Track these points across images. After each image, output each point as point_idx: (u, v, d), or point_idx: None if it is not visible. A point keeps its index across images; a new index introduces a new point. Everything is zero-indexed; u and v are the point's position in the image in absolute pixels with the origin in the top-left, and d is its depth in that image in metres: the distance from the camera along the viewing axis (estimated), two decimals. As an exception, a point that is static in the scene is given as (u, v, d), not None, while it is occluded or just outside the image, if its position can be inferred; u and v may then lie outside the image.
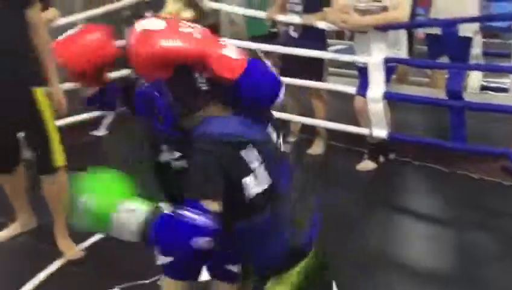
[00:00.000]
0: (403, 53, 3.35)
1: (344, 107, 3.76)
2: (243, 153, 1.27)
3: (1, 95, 2.19)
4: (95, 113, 3.63)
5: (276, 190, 1.32)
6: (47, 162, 2.36)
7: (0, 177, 2.52)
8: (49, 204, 2.50)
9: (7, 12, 2.12)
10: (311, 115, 3.71)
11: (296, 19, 3.51)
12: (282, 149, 1.48)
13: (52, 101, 2.32)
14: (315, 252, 1.42)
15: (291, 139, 3.85)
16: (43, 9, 3.50)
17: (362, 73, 3.37)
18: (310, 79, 3.57)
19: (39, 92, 2.26)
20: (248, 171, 1.27)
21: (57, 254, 2.53)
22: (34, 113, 2.26)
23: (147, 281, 2.27)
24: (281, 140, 1.48)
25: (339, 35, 5.34)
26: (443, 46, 3.28)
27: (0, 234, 2.63)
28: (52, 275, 2.41)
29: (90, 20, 3.84)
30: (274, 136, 1.45)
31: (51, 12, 3.58)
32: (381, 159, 3.48)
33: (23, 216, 2.66)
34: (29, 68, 2.23)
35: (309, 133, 3.73)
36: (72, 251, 2.53)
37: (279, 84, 1.49)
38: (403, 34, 3.36)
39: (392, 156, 3.54)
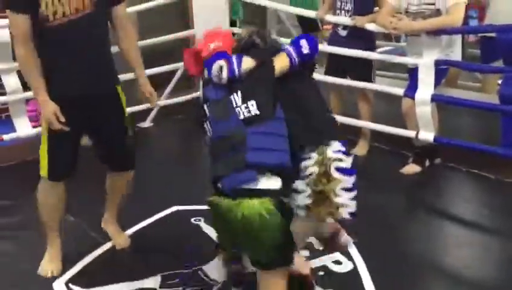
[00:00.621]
0: (456, 56, 3.27)
1: (390, 109, 3.71)
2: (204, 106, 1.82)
3: (96, 93, 2.21)
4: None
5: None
6: (128, 158, 2.42)
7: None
8: (109, 194, 2.57)
9: (100, 13, 2.15)
10: (356, 115, 3.68)
11: (346, 20, 3.48)
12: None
13: (142, 92, 2.36)
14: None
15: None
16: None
17: (412, 75, 3.31)
18: (358, 79, 3.54)
19: (120, 89, 2.33)
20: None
21: (105, 239, 2.63)
22: (119, 109, 2.33)
23: (186, 271, 2.32)
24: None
25: (386, 36, 5.28)
26: (497, 50, 3.18)
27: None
28: (99, 258, 2.50)
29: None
30: (234, 98, 1.74)
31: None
32: (427, 163, 3.42)
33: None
34: (113, 66, 2.30)
35: (353, 134, 3.69)
36: (121, 237, 2.61)
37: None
38: (457, 36, 3.28)
39: (437, 160, 3.47)
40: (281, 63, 1.80)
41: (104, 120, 2.28)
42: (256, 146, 1.65)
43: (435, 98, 3.21)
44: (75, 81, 2.13)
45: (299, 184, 1.75)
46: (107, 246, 2.59)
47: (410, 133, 3.34)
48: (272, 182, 1.65)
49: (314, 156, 1.73)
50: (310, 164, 1.73)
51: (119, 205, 2.61)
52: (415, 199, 3.18)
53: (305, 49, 1.83)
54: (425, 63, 3.17)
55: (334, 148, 1.75)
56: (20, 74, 3.31)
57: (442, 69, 3.24)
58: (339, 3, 3.56)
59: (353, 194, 1.76)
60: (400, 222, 2.83)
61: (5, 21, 3.30)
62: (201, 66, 1.87)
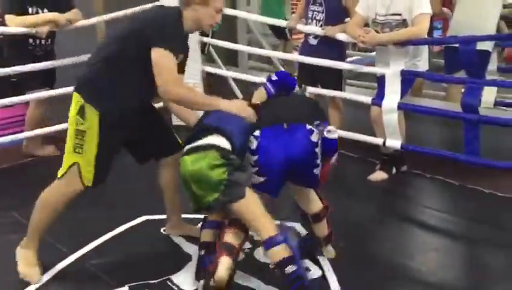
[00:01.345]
0: (423, 65, 3.36)
1: (358, 116, 3.78)
2: None
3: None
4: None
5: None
6: (174, 136, 2.54)
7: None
8: (167, 191, 2.60)
9: None
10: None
11: (317, 30, 3.54)
12: None
13: None
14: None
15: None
16: (67, 10, 3.65)
17: (380, 83, 3.39)
18: (328, 88, 3.59)
19: None
20: None
21: (71, 251, 2.58)
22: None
23: (155, 281, 2.31)
24: None
25: (355, 45, 5.38)
26: (460, 60, 3.29)
27: None
28: (66, 269, 2.46)
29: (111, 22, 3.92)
30: None
31: (74, 13, 3.67)
32: (394, 170, 3.49)
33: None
34: None
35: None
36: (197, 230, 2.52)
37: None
38: (423, 46, 3.37)
39: (404, 167, 3.55)
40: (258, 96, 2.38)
41: (148, 118, 2.44)
42: (216, 116, 2.18)
43: (401, 106, 3.28)
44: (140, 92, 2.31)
45: None
46: (74, 257, 2.54)
47: (378, 141, 3.41)
48: (218, 140, 2.08)
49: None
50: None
51: (179, 200, 2.61)
52: (383, 205, 3.24)
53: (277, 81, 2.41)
54: (391, 72, 3.24)
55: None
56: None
57: (408, 79, 3.32)
58: (310, 13, 3.61)
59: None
60: (368, 229, 2.87)
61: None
62: None
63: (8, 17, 3.45)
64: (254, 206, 2.09)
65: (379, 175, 3.45)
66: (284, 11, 5.67)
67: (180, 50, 2.24)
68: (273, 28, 5.66)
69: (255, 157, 2.14)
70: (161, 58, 2.12)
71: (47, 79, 3.75)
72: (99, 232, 2.73)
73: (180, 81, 2.28)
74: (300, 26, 3.71)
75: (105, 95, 2.20)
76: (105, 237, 2.71)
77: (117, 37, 2.27)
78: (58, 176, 2.28)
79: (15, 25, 3.44)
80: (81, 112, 2.20)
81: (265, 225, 2.07)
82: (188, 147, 2.13)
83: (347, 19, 3.55)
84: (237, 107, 2.22)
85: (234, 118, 2.17)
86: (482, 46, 3.32)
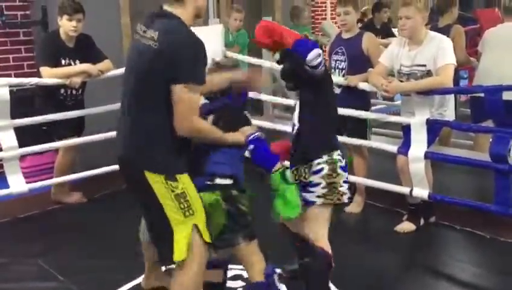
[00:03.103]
0: (449, 114, 3.33)
1: (385, 166, 3.73)
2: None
3: None
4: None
5: None
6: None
7: None
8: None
9: None
10: (350, 172, 3.69)
11: (339, 80, 3.56)
12: None
13: None
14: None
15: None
16: (98, 60, 3.79)
17: (406, 132, 3.36)
18: (353, 136, 3.58)
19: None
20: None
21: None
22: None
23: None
24: None
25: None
26: (487, 110, 3.25)
27: None
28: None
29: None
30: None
31: (105, 64, 3.81)
32: (422, 221, 3.40)
33: None
34: None
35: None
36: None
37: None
38: (450, 96, 3.36)
39: (432, 219, 3.46)
40: None
41: None
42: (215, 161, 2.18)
43: (428, 155, 3.24)
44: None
45: (314, 178, 2.32)
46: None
47: (405, 190, 3.35)
48: (222, 181, 2.15)
49: (324, 158, 2.32)
50: (322, 163, 2.31)
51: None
52: (410, 257, 3.14)
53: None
54: (416, 121, 3.23)
55: (338, 153, 2.35)
56: (17, 131, 3.38)
57: (435, 128, 3.29)
58: (333, 63, 3.66)
59: (348, 185, 2.38)
60: (394, 282, 2.78)
61: (5, 80, 3.44)
62: (271, 39, 2.28)
63: (43, 69, 3.59)
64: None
65: (406, 226, 3.37)
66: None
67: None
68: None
69: (346, 174, 2.35)
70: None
71: (76, 127, 3.86)
72: (120, 281, 2.71)
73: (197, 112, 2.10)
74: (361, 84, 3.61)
75: (171, 154, 2.00)
76: (125, 287, 2.69)
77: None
78: (179, 259, 1.96)
79: (50, 76, 3.58)
80: (167, 179, 1.97)
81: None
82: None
83: (370, 69, 3.58)
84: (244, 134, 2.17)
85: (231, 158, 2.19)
86: (508, 96, 3.29)
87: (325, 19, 7.18)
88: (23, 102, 3.83)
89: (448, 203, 3.28)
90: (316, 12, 7.43)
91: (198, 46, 1.94)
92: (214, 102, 2.29)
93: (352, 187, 3.75)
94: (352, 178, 3.64)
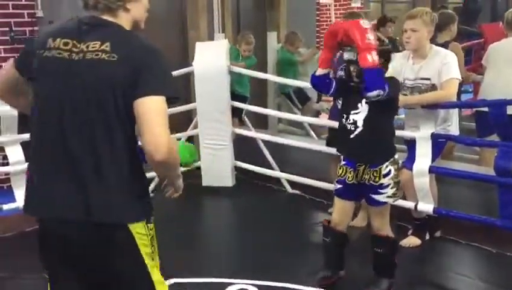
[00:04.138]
0: (453, 129, 3.33)
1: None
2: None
3: None
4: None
5: None
6: None
7: None
8: None
9: None
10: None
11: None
12: None
13: None
14: None
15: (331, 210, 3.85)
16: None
17: (410, 146, 3.36)
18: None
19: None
20: None
21: None
22: None
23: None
24: None
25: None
26: (491, 124, 3.25)
27: None
28: None
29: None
30: None
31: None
32: (427, 236, 3.39)
33: None
34: None
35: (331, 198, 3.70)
36: None
37: None
38: (453, 110, 3.36)
39: (438, 233, 3.44)
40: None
41: None
42: None
43: (432, 170, 3.24)
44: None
45: (385, 181, 2.60)
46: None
47: (410, 205, 3.34)
48: None
49: (391, 160, 2.60)
50: (389, 165, 2.59)
51: None
52: (415, 272, 3.11)
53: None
54: (422, 135, 3.23)
55: (396, 154, 2.67)
56: (23, 146, 3.41)
57: (440, 142, 3.29)
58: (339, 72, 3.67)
59: None
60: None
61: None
62: (334, 45, 2.57)
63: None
64: None
65: (411, 240, 3.35)
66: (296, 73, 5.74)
67: None
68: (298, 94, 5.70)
69: None
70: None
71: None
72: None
73: None
74: None
75: (145, 188, 1.67)
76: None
77: None
78: None
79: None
80: (147, 223, 1.63)
81: None
82: None
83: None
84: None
85: None
86: (512, 110, 3.30)
87: (330, 22, 7.21)
88: (28, 117, 3.87)
89: (453, 217, 3.27)
90: (321, 16, 7.44)
91: (163, 55, 1.60)
92: None
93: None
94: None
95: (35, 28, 4.62)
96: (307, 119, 5.12)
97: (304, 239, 3.58)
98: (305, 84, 4.38)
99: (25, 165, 3.39)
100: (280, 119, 5.71)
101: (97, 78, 1.51)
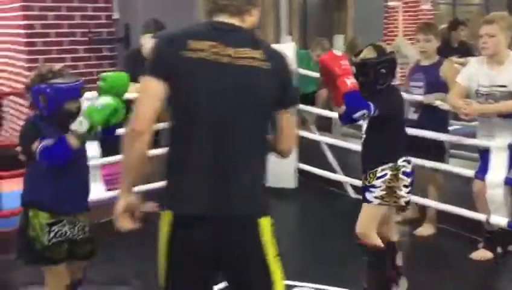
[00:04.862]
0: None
1: (460, 190, 3.60)
2: None
3: None
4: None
5: None
6: None
7: None
8: None
9: None
10: (423, 194, 3.60)
11: (415, 97, 3.51)
12: None
13: None
14: None
15: (397, 219, 3.77)
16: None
17: (483, 156, 3.24)
18: (428, 159, 3.46)
19: None
20: None
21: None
22: None
23: None
24: None
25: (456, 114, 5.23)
26: None
27: None
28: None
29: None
30: None
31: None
32: (499, 249, 3.25)
33: None
34: None
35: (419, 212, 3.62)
36: None
37: None
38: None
39: (511, 247, 3.29)
40: None
41: None
42: None
43: (508, 181, 3.10)
44: None
45: (377, 182, 2.53)
46: None
47: (481, 217, 3.22)
48: None
49: (390, 164, 2.51)
50: (386, 169, 2.51)
51: None
52: (485, 287, 3.00)
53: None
54: (498, 145, 3.10)
55: (403, 159, 2.55)
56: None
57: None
58: (411, 89, 3.59)
59: (409, 189, 2.57)
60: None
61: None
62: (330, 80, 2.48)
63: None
64: None
65: (482, 254, 3.22)
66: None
67: None
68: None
69: (410, 179, 2.54)
70: None
71: (153, 140, 4.02)
72: None
73: None
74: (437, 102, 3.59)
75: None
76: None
77: None
78: None
79: (131, 92, 3.76)
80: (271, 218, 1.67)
81: None
82: None
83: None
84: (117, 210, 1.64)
85: None
86: None
87: (397, 25, 7.05)
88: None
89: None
90: (388, 19, 7.29)
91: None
92: None
93: (422, 210, 3.69)
94: (423, 201, 3.56)
95: (112, 30, 4.85)
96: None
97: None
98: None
99: (101, 160, 3.56)
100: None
101: (253, 84, 1.56)
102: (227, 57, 1.54)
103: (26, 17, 4.49)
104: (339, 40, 5.58)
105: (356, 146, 4.32)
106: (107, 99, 2.10)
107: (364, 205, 2.61)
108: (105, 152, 3.63)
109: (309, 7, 5.89)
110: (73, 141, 2.03)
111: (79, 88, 2.16)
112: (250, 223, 1.58)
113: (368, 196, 2.58)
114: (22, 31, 4.55)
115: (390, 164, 2.53)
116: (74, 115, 2.09)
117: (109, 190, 3.64)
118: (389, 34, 7.24)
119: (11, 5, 4.68)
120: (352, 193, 4.38)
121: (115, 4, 4.85)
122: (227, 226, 1.56)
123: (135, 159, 1.59)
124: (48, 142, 2.03)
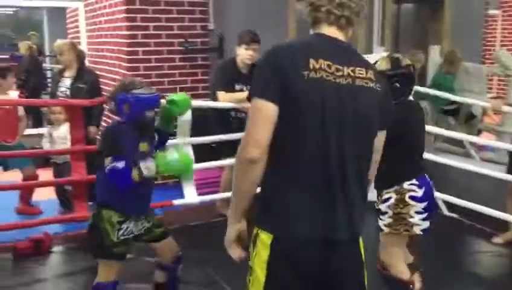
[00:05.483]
0: None
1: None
2: None
3: None
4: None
5: None
6: None
7: None
8: None
9: None
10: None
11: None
12: None
13: None
14: None
15: (499, 240, 3.58)
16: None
17: None
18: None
19: None
20: None
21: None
22: None
23: None
24: None
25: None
26: None
27: None
28: None
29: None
30: None
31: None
32: None
33: None
34: None
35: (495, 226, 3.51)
36: None
37: None
38: None
39: None
40: None
41: None
42: None
43: None
44: None
45: (382, 207, 2.41)
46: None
47: None
48: None
49: (394, 187, 2.37)
50: (391, 192, 2.38)
51: None
52: None
53: None
54: None
55: (411, 182, 2.37)
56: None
57: None
58: None
59: (424, 215, 2.35)
60: None
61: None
62: None
63: (220, 93, 3.93)
64: None
65: None
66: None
67: None
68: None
69: (424, 205, 2.34)
70: None
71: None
72: None
73: None
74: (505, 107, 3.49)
75: None
76: None
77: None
78: None
79: (225, 100, 3.89)
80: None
81: None
82: None
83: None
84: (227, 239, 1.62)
85: None
86: None
87: (496, 34, 6.67)
88: (196, 122, 4.23)
89: None
90: (487, 28, 6.92)
91: None
92: None
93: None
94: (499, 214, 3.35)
95: (206, 40, 5.03)
96: (462, 136, 4.76)
97: (463, 268, 3.35)
98: (469, 100, 4.13)
99: (194, 166, 3.69)
100: (436, 137, 5.41)
101: (369, 107, 1.51)
102: (346, 78, 1.48)
103: (129, 28, 4.78)
104: (435, 51, 5.36)
105: (449, 161, 4.15)
106: (179, 158, 2.34)
107: (381, 235, 2.48)
108: (197, 158, 3.77)
109: (402, 17, 5.74)
110: (135, 176, 2.24)
111: (157, 99, 2.35)
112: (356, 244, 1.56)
113: (380, 223, 2.44)
114: (125, 41, 4.84)
115: (396, 187, 2.37)
116: (151, 122, 2.34)
117: (200, 194, 3.78)
118: (487, 44, 6.87)
119: (116, 16, 5.00)
120: (445, 211, 4.20)
121: (211, 15, 5.02)
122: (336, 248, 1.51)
123: (248, 187, 1.50)
124: (118, 164, 2.22)
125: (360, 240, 1.56)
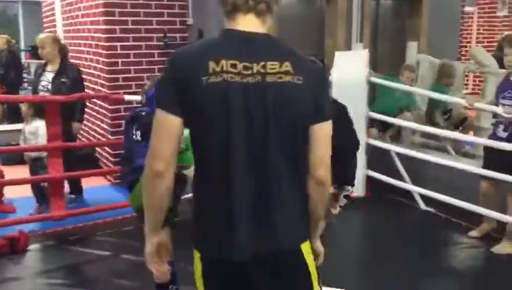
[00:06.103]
0: None
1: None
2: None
3: None
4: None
5: None
6: None
7: None
8: None
9: None
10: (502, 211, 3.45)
11: (498, 109, 3.38)
12: None
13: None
14: None
15: (475, 234, 3.64)
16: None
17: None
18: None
19: None
20: None
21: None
22: None
23: None
24: None
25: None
26: None
27: None
28: None
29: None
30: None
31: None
32: None
33: None
34: None
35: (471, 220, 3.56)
36: None
37: None
38: None
39: None
40: None
41: None
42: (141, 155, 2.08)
43: None
44: None
45: None
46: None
47: None
48: None
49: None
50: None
51: None
52: None
53: None
54: None
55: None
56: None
57: None
58: (500, 106, 3.42)
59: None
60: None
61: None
62: None
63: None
64: None
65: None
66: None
67: None
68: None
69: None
70: None
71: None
72: None
73: None
74: (481, 105, 3.54)
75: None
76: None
77: None
78: None
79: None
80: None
81: None
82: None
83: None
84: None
85: None
86: None
87: (471, 31, 6.76)
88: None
89: None
90: (463, 25, 7.03)
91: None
92: None
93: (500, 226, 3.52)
94: (501, 216, 3.40)
95: (186, 35, 4.99)
96: (440, 132, 4.79)
97: (439, 262, 3.41)
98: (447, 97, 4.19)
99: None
100: (414, 132, 5.48)
101: (285, 103, 1.36)
102: (256, 76, 1.34)
103: (107, 22, 4.71)
104: (413, 47, 5.42)
105: (428, 157, 4.22)
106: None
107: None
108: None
109: (380, 13, 5.78)
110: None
111: None
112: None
113: None
114: (103, 35, 4.77)
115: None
116: None
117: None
118: (463, 40, 6.98)
119: (94, 10, 4.93)
120: (422, 205, 4.26)
121: (190, 10, 4.98)
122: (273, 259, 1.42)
123: (157, 201, 1.43)
124: (130, 177, 2.49)
125: (302, 247, 1.44)
